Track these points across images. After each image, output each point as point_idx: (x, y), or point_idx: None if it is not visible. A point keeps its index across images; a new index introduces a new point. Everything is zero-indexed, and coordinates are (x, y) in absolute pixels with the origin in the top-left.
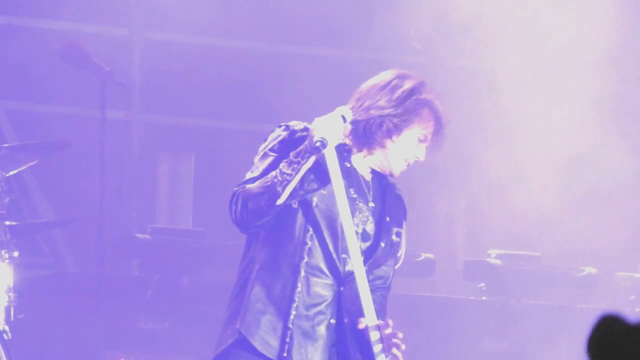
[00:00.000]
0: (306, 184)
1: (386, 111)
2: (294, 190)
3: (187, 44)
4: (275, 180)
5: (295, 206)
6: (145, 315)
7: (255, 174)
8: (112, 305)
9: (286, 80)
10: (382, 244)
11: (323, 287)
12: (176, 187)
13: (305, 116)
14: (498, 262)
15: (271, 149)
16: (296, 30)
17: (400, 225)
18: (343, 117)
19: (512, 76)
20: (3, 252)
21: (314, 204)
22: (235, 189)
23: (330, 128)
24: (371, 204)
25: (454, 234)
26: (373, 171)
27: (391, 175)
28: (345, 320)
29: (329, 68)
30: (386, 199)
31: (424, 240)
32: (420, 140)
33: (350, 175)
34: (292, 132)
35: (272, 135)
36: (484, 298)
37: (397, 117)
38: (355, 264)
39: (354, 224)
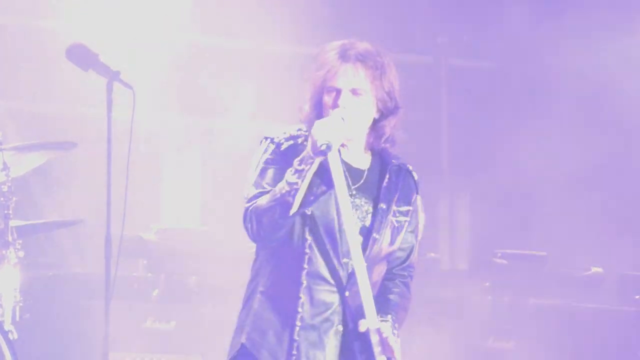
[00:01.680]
0: (315, 189)
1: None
2: (305, 197)
3: (191, 42)
4: (284, 191)
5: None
6: (151, 315)
7: (261, 189)
8: (118, 305)
9: (293, 79)
10: (376, 235)
11: (327, 294)
12: (183, 187)
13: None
14: (504, 261)
15: (266, 162)
16: (298, 29)
17: (407, 203)
18: (343, 118)
19: (518, 77)
20: (9, 252)
21: (309, 212)
22: (247, 205)
23: (333, 130)
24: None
25: (460, 233)
26: (372, 156)
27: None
28: (351, 326)
29: None
30: (382, 183)
31: (429, 240)
32: (330, 92)
33: (348, 175)
34: (279, 144)
35: (261, 149)
36: (490, 297)
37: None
38: (357, 268)
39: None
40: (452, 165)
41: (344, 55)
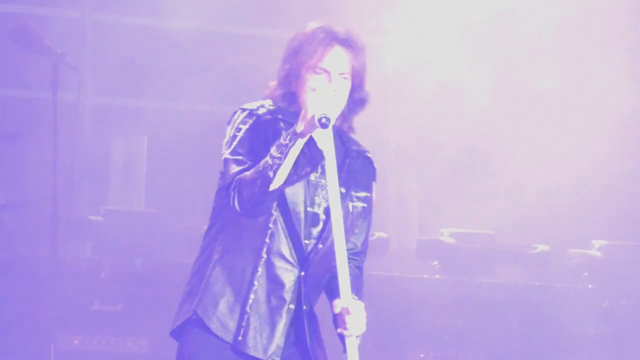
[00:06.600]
0: (300, 169)
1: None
2: (289, 176)
3: (138, 25)
4: (266, 166)
5: None
6: (98, 298)
7: (242, 160)
8: (66, 287)
9: (239, 61)
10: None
11: (284, 273)
12: (129, 169)
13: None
14: (451, 240)
15: (247, 133)
16: (249, 10)
17: (368, 189)
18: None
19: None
20: None
21: None
22: (230, 178)
23: (332, 103)
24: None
25: (407, 212)
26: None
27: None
28: (304, 307)
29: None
30: (343, 167)
31: (377, 220)
32: (318, 73)
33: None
34: (260, 116)
35: (237, 120)
36: (437, 276)
37: (292, 65)
38: (338, 249)
39: (315, 204)
40: (400, 144)
41: (332, 37)
